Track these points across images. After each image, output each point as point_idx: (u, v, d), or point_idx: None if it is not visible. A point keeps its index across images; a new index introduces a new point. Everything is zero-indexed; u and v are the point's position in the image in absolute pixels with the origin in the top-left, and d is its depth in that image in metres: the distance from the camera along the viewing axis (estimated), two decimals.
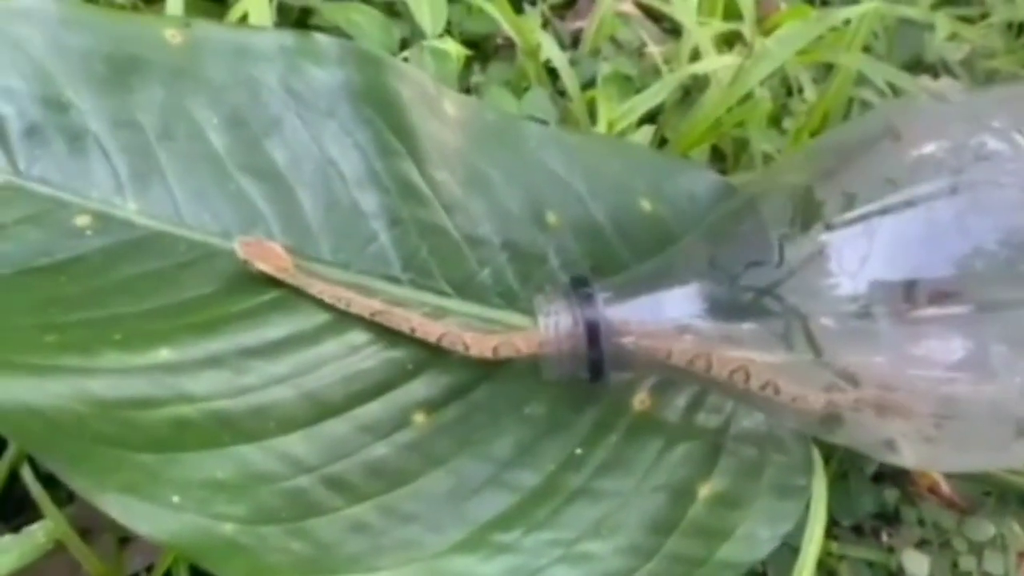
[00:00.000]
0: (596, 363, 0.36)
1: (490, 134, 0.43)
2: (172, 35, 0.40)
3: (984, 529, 0.44)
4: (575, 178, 0.43)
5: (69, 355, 0.32)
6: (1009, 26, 0.65)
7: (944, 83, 0.64)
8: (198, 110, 0.40)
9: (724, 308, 0.35)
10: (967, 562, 0.44)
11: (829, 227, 0.34)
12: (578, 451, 0.39)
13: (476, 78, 0.56)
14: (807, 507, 0.39)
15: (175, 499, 0.31)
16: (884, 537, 0.45)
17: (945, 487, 0.45)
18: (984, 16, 0.65)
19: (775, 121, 0.59)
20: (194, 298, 0.37)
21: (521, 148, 0.43)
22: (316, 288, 0.38)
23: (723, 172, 0.56)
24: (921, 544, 0.44)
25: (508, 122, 0.43)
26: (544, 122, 0.44)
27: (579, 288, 0.36)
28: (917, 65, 0.64)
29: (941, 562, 0.43)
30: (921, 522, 0.45)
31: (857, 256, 0.33)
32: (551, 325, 0.36)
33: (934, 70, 0.65)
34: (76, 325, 0.34)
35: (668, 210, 0.43)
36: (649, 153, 0.46)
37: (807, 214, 0.34)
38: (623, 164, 0.43)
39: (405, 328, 0.38)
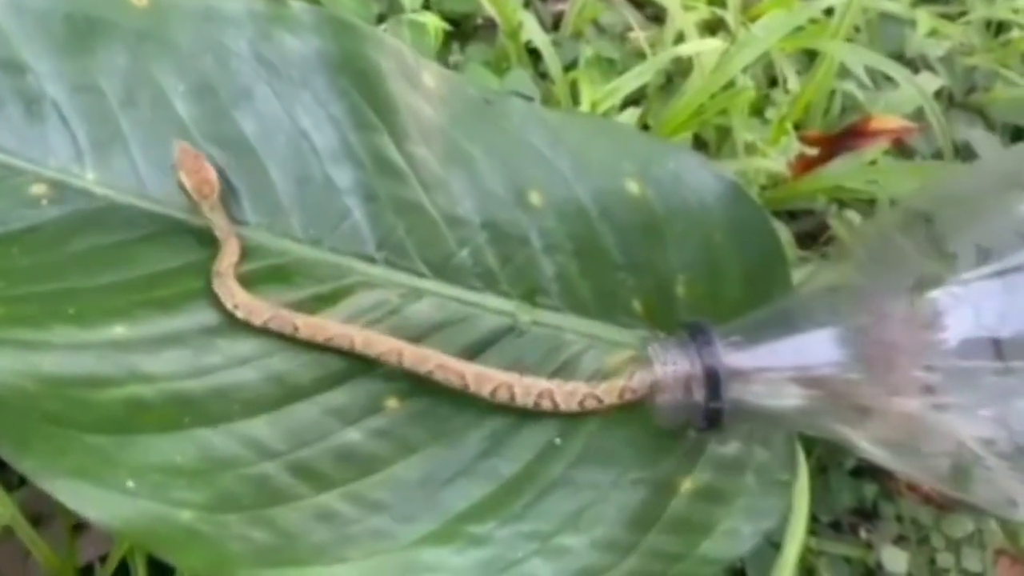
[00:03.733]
0: (715, 413, 0.35)
1: (472, 109, 0.41)
2: None
3: (962, 525, 0.43)
4: (559, 157, 0.41)
5: (17, 328, 0.30)
6: (988, 24, 0.65)
7: (924, 78, 0.64)
8: (163, 76, 0.38)
9: (851, 359, 0.34)
10: (945, 559, 0.43)
11: (964, 281, 0.33)
12: (556, 441, 0.37)
13: (455, 57, 0.54)
14: (789, 503, 0.38)
15: (129, 484, 0.29)
16: (862, 533, 0.45)
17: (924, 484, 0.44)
18: (962, 13, 0.65)
19: (758, 111, 0.58)
20: (154, 273, 0.35)
21: (504, 125, 0.41)
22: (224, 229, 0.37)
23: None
24: (899, 540, 0.43)
25: (491, 97, 0.41)
26: (529, 98, 0.42)
27: (697, 335, 0.35)
28: (898, 60, 0.64)
29: (919, 558, 0.43)
30: (899, 518, 0.45)
31: (995, 311, 0.32)
32: (668, 373, 0.35)
33: (914, 66, 0.64)
34: (27, 299, 0.32)
35: (655, 193, 0.41)
36: (636, 134, 0.44)
37: (939, 266, 0.33)
38: (609, 144, 0.41)
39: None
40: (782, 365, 0.35)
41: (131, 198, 0.37)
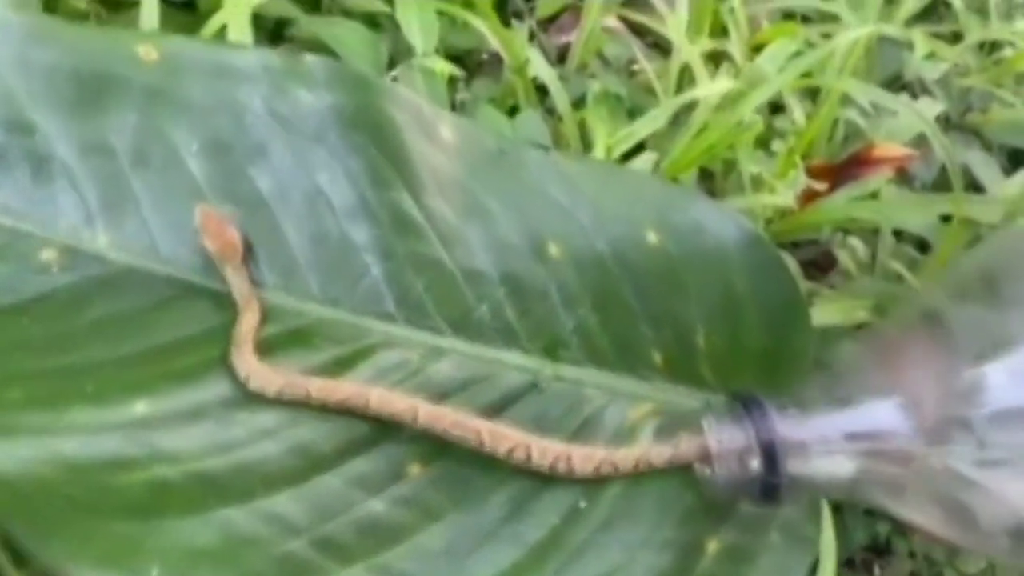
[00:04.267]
0: (772, 486, 0.34)
1: (488, 161, 0.40)
2: (146, 51, 0.37)
3: (975, 562, 0.43)
4: (577, 208, 0.41)
5: (35, 412, 0.29)
6: (982, 46, 0.65)
7: (924, 104, 0.64)
8: (175, 134, 0.37)
9: (910, 429, 0.33)
10: None
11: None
12: (581, 504, 0.37)
13: (461, 95, 0.53)
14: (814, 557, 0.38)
15: (154, 572, 0.28)
16: (876, 570, 0.44)
17: None
18: (956, 34, 0.66)
19: (762, 142, 0.58)
20: (173, 342, 0.34)
21: (521, 176, 0.41)
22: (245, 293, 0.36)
23: (711, 193, 0.55)
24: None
25: (507, 148, 0.41)
26: (545, 148, 0.41)
27: (751, 406, 0.35)
28: (896, 82, 0.64)
29: None
30: (912, 554, 0.45)
31: None
32: (723, 447, 0.34)
33: (912, 89, 0.65)
34: (43, 376, 0.31)
35: (674, 242, 0.41)
36: (654, 183, 0.44)
37: (1000, 343, 0.33)
38: (628, 194, 0.41)
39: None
40: (839, 437, 0.34)
41: (145, 262, 0.36)
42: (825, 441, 0.35)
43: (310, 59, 0.38)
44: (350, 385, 0.35)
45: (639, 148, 0.47)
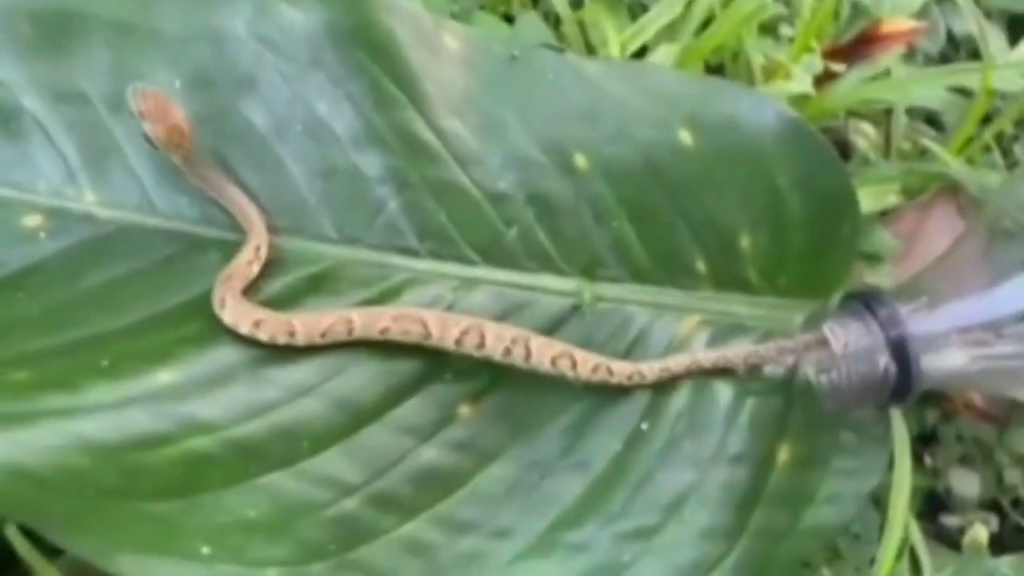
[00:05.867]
0: (903, 387, 0.32)
1: (500, 70, 0.37)
2: None
3: None
4: (602, 113, 0.37)
5: (49, 394, 0.26)
6: None
7: None
8: (155, 72, 0.33)
9: None
10: (1012, 475, 0.42)
11: None
12: (643, 426, 0.34)
13: (451, 6, 0.49)
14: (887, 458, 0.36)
15: (204, 549, 0.26)
16: (927, 460, 0.43)
17: (979, 400, 0.43)
18: None
19: (767, 29, 0.55)
20: (184, 302, 0.31)
21: (537, 83, 0.37)
22: (223, 188, 0.32)
23: None
24: (963, 460, 0.42)
25: (518, 53, 0.37)
26: (559, 48, 0.38)
27: (874, 304, 0.33)
28: None
29: (986, 477, 0.41)
30: (960, 438, 0.43)
31: None
32: (849, 348, 0.32)
33: None
34: (50, 354, 0.28)
35: (709, 141, 0.38)
36: (683, 78, 0.40)
37: None
38: (655, 92, 0.38)
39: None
40: (971, 325, 0.33)
41: (140, 217, 0.33)
42: (954, 333, 0.33)
43: None
44: (332, 315, 0.32)
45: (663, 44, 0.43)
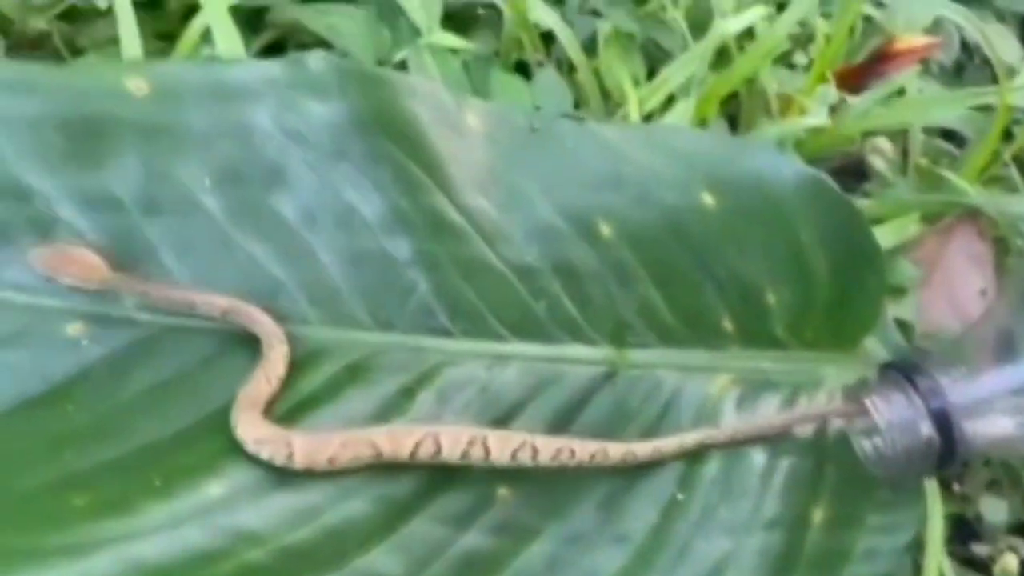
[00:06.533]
0: (947, 455, 0.33)
1: (522, 142, 0.37)
2: (136, 85, 0.33)
3: None
4: (623, 179, 0.38)
5: (108, 520, 0.27)
6: None
7: None
8: (183, 171, 0.33)
9: None
10: None
11: None
12: (678, 496, 0.35)
13: (463, 56, 0.49)
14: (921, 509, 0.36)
15: None
16: (955, 487, 0.43)
17: None
18: None
19: (780, 57, 0.55)
20: (225, 406, 0.31)
21: (557, 153, 0.37)
22: (156, 293, 0.32)
23: (733, 122, 0.52)
24: (992, 485, 0.42)
25: (538, 123, 0.37)
26: (579, 118, 0.38)
27: (913, 374, 0.33)
28: None
29: (1015, 501, 0.42)
30: (988, 463, 0.43)
31: None
32: (893, 420, 0.33)
33: None
34: (104, 472, 0.29)
35: (732, 201, 0.38)
36: (703, 138, 0.40)
37: None
38: (675, 155, 0.38)
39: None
40: (1007, 393, 0.34)
41: (178, 318, 0.33)
42: (994, 399, 0.34)
43: (314, 62, 0.35)
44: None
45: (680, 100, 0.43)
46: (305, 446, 0.30)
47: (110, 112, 0.33)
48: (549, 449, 0.33)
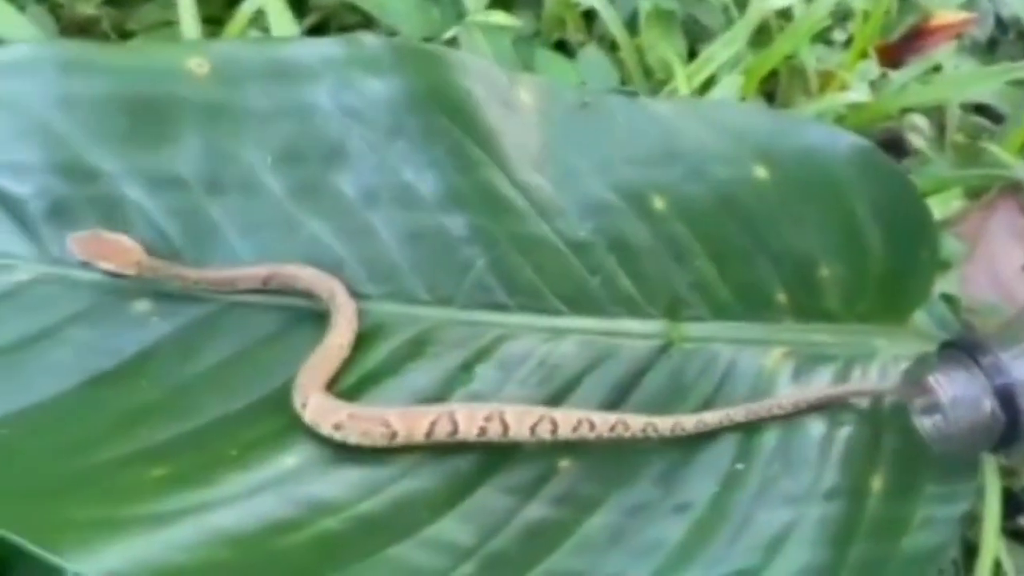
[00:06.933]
0: (1011, 431, 0.33)
1: (573, 118, 0.37)
2: (197, 65, 0.33)
3: None
4: (676, 153, 0.38)
5: (188, 490, 0.27)
6: None
7: None
8: (246, 150, 0.34)
9: None
10: None
11: None
12: (738, 466, 0.35)
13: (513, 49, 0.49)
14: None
15: None
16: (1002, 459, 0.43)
17: None
18: None
19: (819, 35, 0.55)
20: (290, 381, 0.32)
21: (610, 128, 0.38)
22: (192, 276, 0.32)
23: (771, 98, 0.52)
24: None
25: (589, 99, 0.38)
26: (631, 92, 0.38)
27: (975, 351, 0.33)
28: None
29: None
30: None
31: None
32: (955, 398, 0.33)
33: None
34: (178, 444, 0.29)
35: (785, 174, 0.38)
36: (756, 113, 0.41)
37: None
38: (727, 129, 0.38)
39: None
40: None
41: (244, 295, 0.33)
42: None
43: (370, 41, 0.35)
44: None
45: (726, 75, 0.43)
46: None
47: (172, 92, 0.33)
48: (569, 422, 0.33)
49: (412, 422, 0.31)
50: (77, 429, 0.29)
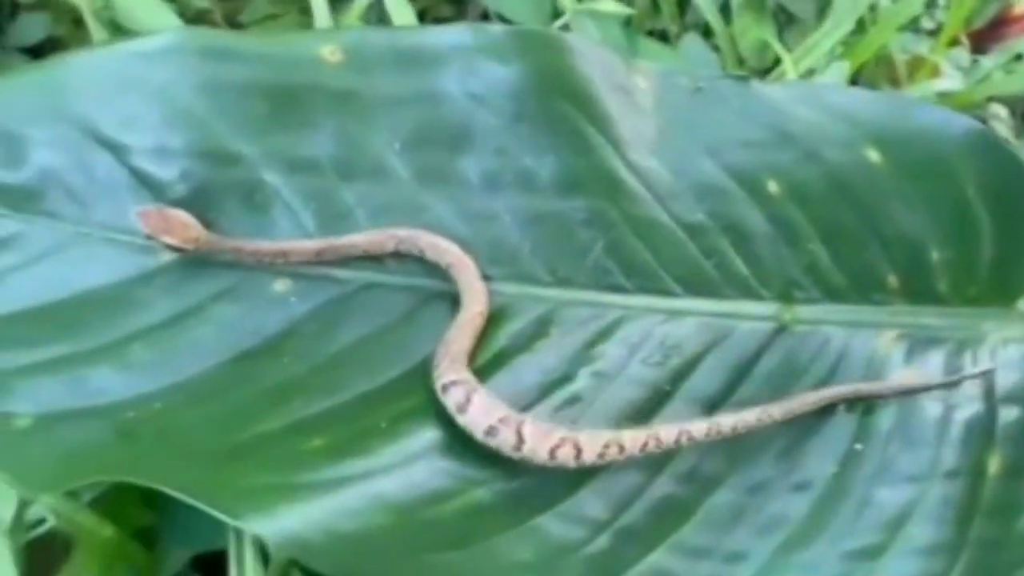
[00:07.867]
0: None
1: (688, 103, 0.38)
2: (331, 52, 0.34)
3: None
4: (789, 137, 0.38)
5: (345, 460, 0.28)
6: None
7: None
8: (375, 136, 0.35)
9: None
10: None
11: None
12: (856, 446, 0.35)
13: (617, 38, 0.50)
14: None
15: None
16: None
17: None
18: None
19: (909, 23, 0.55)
20: (428, 358, 0.33)
21: (723, 113, 0.38)
22: (248, 248, 0.33)
23: (854, 84, 0.52)
24: None
25: (703, 84, 0.38)
26: (743, 77, 0.39)
27: None
28: None
29: None
30: None
31: None
32: None
33: None
34: (330, 417, 0.30)
35: (897, 157, 0.38)
36: (868, 97, 0.41)
37: None
38: (840, 113, 0.38)
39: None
40: None
41: (377, 275, 0.34)
42: None
43: (495, 28, 0.36)
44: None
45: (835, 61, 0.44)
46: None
47: (307, 79, 0.34)
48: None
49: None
50: (229, 403, 0.30)
